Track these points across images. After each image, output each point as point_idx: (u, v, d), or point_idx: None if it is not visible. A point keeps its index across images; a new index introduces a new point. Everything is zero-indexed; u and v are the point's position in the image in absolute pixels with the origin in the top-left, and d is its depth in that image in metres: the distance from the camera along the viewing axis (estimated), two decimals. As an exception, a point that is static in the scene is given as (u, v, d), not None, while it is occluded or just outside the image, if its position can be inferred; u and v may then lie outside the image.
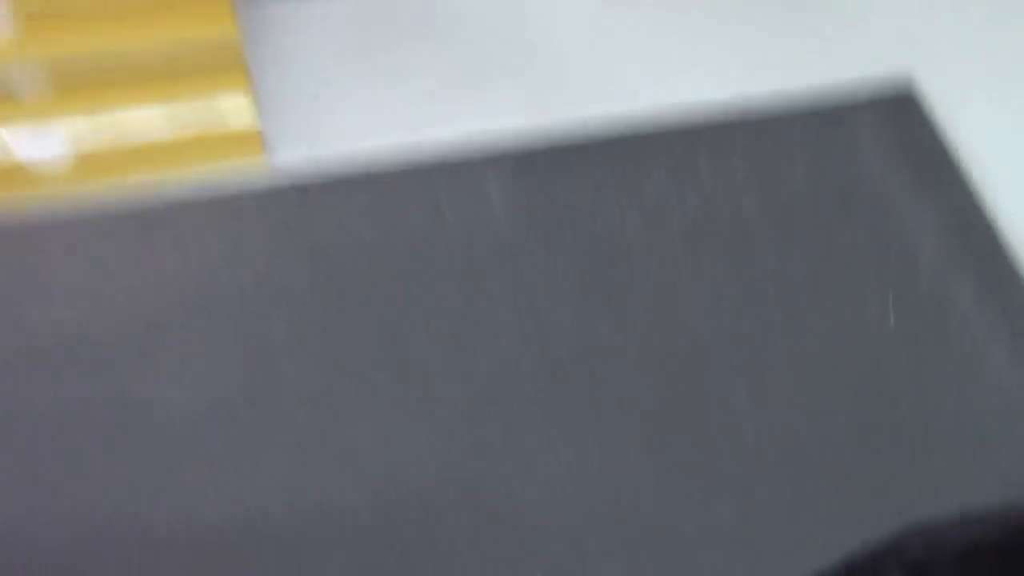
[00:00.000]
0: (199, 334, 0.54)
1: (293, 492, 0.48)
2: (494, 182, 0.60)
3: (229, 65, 0.56)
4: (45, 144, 0.57)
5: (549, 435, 0.51)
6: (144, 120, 0.57)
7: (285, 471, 0.49)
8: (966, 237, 0.59)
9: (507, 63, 0.68)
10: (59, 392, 0.51)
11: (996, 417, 0.53)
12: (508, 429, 0.51)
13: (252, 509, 0.48)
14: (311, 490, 0.48)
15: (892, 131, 0.63)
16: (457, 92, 0.66)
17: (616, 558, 0.48)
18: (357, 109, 0.64)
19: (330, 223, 0.58)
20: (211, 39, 0.54)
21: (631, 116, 0.64)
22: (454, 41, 0.69)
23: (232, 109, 0.58)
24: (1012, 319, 0.55)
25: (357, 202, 0.59)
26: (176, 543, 0.47)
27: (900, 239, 0.58)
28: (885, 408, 0.52)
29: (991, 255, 0.58)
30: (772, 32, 0.70)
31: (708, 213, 0.59)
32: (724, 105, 0.64)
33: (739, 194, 0.60)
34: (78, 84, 0.55)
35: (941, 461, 0.51)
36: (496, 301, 0.55)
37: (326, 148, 0.61)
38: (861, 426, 0.52)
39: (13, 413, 0.51)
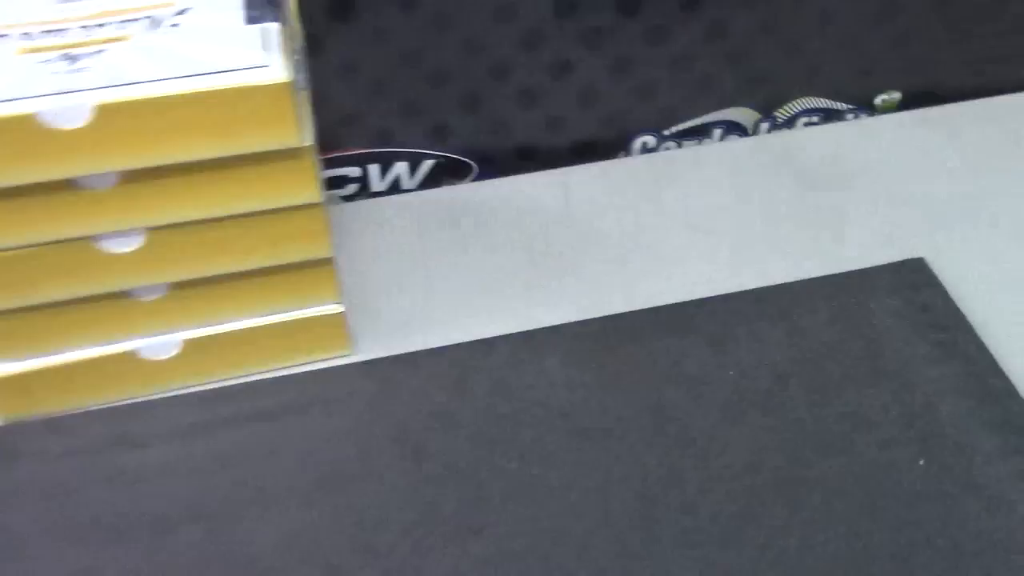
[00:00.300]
0: (298, 499, 0.60)
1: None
2: (551, 356, 0.68)
3: (322, 277, 0.65)
4: (160, 343, 0.65)
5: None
6: (247, 322, 0.66)
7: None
8: (983, 388, 0.65)
9: (562, 254, 0.77)
10: (176, 553, 0.58)
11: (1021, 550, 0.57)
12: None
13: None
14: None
15: (908, 298, 0.70)
16: (515, 282, 0.74)
17: None
18: (426, 302, 0.73)
19: (408, 398, 0.65)
20: (308, 259, 0.63)
21: (673, 298, 0.72)
22: (510, 236, 0.78)
23: (324, 312, 0.66)
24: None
25: (431, 377, 0.66)
26: None
27: (923, 392, 0.64)
28: (917, 547, 0.57)
29: (1006, 404, 0.64)
30: (794, 225, 0.79)
31: (745, 377, 0.66)
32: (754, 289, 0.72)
33: (772, 358, 0.67)
34: (191, 293, 0.63)
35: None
36: (556, 460, 0.62)
37: (402, 339, 0.70)
38: (895, 561, 0.57)
39: (140, 571, 0.57)
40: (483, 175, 0.86)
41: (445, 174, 0.85)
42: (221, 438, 0.64)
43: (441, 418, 0.64)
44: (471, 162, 0.85)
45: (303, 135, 0.57)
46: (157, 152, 0.56)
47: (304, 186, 0.59)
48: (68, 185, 0.57)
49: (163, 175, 0.57)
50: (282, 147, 0.57)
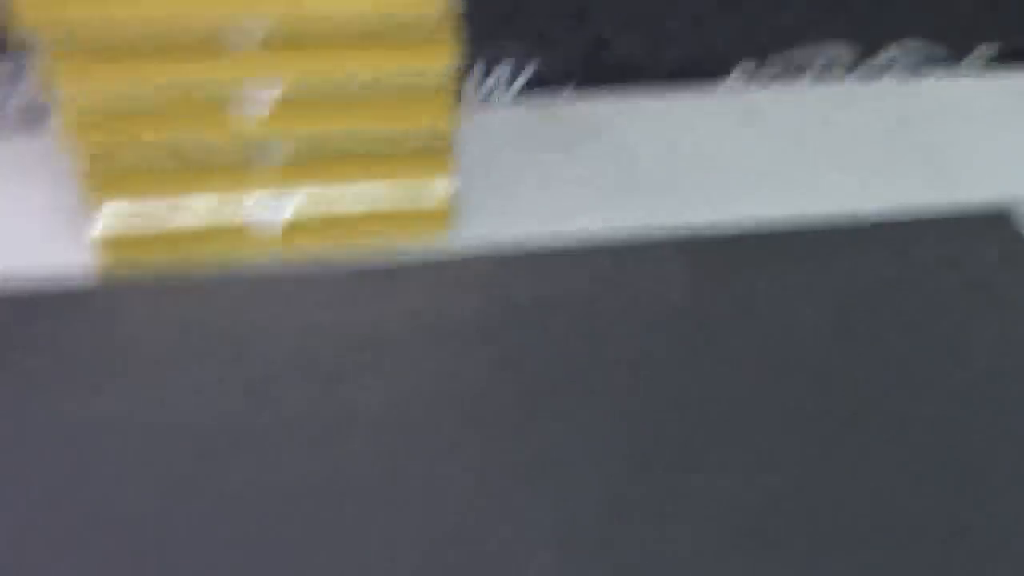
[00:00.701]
0: (403, 369, 0.62)
1: (480, 514, 0.55)
2: (667, 263, 0.68)
3: (439, 153, 0.65)
4: (273, 209, 0.66)
5: (703, 485, 0.57)
6: (360, 195, 0.66)
7: (469, 495, 0.56)
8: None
9: (657, 168, 0.77)
10: (285, 407, 0.59)
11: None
12: (674, 478, 0.57)
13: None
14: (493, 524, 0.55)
15: (1004, 239, 0.71)
16: (611, 190, 0.75)
17: None
18: (524, 199, 0.74)
19: (514, 288, 0.66)
20: (430, 130, 0.63)
21: (774, 219, 0.72)
22: (607, 148, 0.78)
23: (435, 191, 0.67)
24: None
25: (536, 270, 0.67)
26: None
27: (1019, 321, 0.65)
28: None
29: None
30: (887, 164, 0.79)
31: (850, 300, 0.67)
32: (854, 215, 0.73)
33: (872, 287, 0.68)
34: (310, 161, 0.64)
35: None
36: (664, 366, 0.63)
37: (500, 231, 0.70)
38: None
39: (247, 421, 0.59)
40: (580, 88, 0.86)
41: (544, 84, 0.85)
42: (331, 308, 0.65)
43: (544, 309, 0.65)
44: (570, 75, 0.85)
45: (450, 4, 0.57)
46: (308, 8, 0.56)
47: (442, 57, 0.60)
48: (214, 38, 0.57)
49: (306, 37, 0.58)
50: (429, 14, 0.57)
